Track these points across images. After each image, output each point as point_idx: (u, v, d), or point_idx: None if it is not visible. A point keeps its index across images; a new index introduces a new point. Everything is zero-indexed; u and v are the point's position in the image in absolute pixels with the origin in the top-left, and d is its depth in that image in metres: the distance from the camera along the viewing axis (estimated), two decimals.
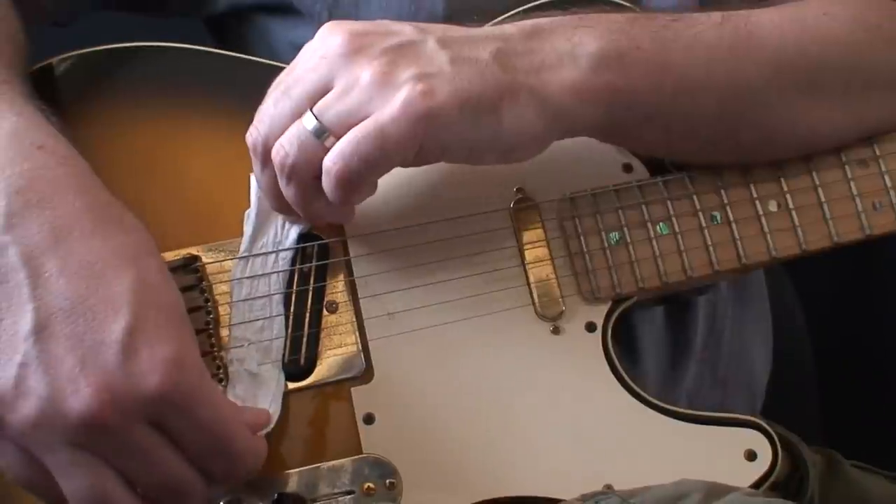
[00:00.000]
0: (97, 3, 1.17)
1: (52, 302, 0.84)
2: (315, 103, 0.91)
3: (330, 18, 1.08)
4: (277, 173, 0.92)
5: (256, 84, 0.98)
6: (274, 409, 0.98)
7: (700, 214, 1.03)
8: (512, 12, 1.03)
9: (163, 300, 0.87)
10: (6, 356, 0.84)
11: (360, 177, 0.90)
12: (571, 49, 0.93)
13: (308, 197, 0.93)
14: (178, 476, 0.87)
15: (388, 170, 0.92)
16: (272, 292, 1.00)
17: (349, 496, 0.97)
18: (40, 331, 0.83)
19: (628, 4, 1.03)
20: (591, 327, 1.02)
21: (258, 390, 0.98)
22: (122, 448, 0.85)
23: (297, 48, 1.00)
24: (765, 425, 1.00)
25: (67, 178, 0.88)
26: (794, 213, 1.03)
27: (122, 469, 0.86)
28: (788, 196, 1.03)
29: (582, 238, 1.02)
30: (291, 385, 0.99)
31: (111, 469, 0.85)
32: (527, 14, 1.01)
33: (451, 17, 1.05)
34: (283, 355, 1.00)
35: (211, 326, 0.99)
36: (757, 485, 0.99)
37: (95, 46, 1.05)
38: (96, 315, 0.84)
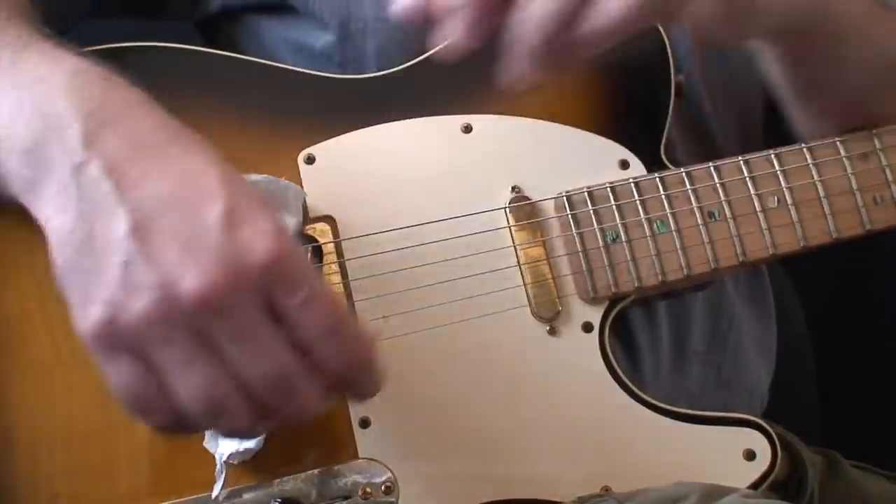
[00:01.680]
0: (90, 12, 1.16)
1: (143, 202, 0.82)
2: None
3: (324, 14, 1.08)
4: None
5: (252, 84, 0.98)
6: None
7: (698, 211, 1.02)
8: None
9: (251, 191, 0.86)
10: (106, 259, 0.82)
11: None
12: None
13: None
14: (290, 365, 0.83)
15: None
16: None
17: (346, 501, 0.97)
18: (137, 228, 0.81)
19: None
20: (588, 328, 1.01)
21: None
22: (238, 330, 0.82)
23: (290, 45, 0.99)
24: (764, 424, 0.99)
25: (137, 100, 0.88)
26: (793, 208, 1.02)
27: (237, 358, 0.82)
28: (788, 191, 1.02)
29: (578, 237, 1.01)
30: None
31: (227, 368, 0.82)
32: None
33: None
34: None
35: None
36: (756, 484, 0.98)
37: (90, 47, 1.04)
38: (191, 205, 0.82)
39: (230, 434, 0.90)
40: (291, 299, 0.82)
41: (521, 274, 1.01)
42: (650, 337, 1.10)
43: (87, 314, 0.82)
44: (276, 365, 0.83)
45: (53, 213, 0.85)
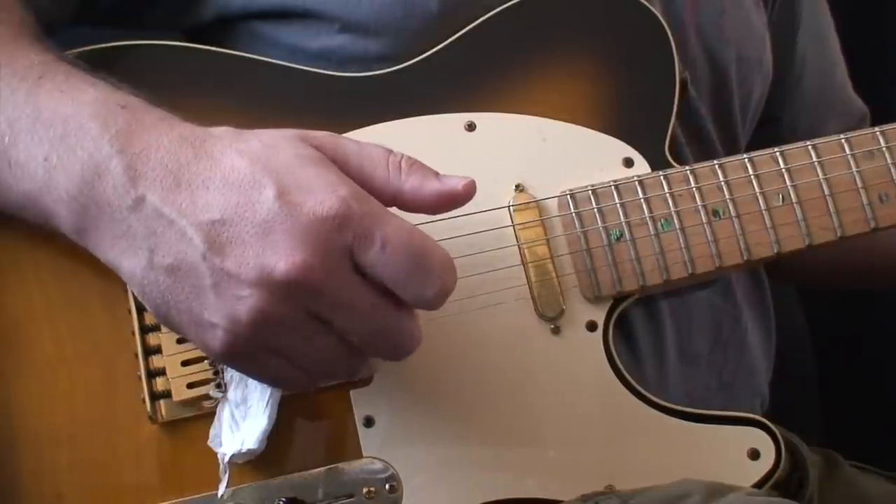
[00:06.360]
0: (73, 21, 1.15)
1: (204, 220, 0.87)
2: None
3: (323, 17, 1.08)
4: None
5: (255, 82, 0.98)
6: (270, 414, 0.96)
7: (702, 209, 1.02)
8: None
9: (281, 157, 0.88)
10: (197, 284, 0.87)
11: None
12: None
13: None
14: (391, 313, 0.88)
15: None
16: None
17: (350, 500, 0.96)
18: (211, 245, 0.86)
19: None
20: (591, 326, 1.01)
21: (255, 394, 0.97)
22: (337, 293, 0.86)
23: (284, 49, 0.99)
24: (768, 424, 1.00)
25: (153, 122, 0.92)
26: (797, 206, 1.02)
27: (346, 320, 0.87)
28: (792, 189, 1.02)
29: (582, 235, 1.01)
30: None
31: (339, 332, 0.88)
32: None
33: (444, 13, 1.05)
34: None
35: None
36: (760, 483, 0.98)
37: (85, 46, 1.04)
38: (245, 205, 0.86)
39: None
40: (370, 249, 0.86)
41: (525, 273, 1.01)
42: (653, 338, 1.10)
43: (209, 342, 0.88)
44: (379, 317, 0.88)
45: (120, 257, 0.90)
